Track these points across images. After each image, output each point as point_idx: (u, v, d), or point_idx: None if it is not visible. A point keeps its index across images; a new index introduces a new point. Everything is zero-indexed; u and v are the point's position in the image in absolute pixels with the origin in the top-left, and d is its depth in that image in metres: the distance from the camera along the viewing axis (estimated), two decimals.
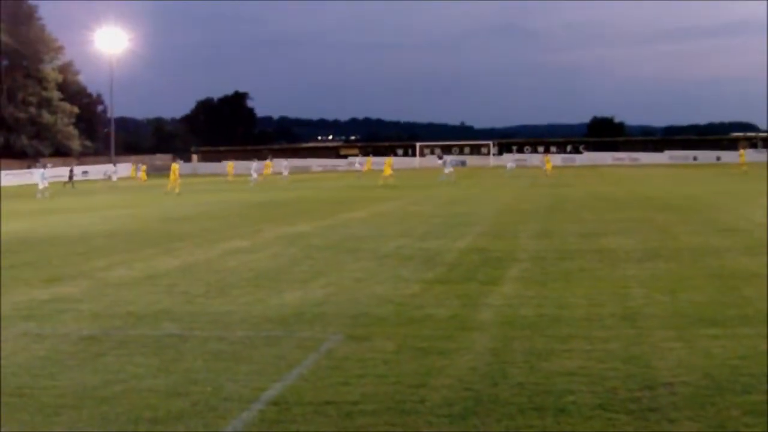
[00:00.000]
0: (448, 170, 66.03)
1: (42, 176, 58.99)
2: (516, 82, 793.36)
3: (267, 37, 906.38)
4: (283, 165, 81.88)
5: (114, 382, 8.96)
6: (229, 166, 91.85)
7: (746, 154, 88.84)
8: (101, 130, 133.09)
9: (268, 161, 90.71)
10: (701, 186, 48.05)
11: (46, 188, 56.90)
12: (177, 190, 54.40)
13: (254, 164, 74.35)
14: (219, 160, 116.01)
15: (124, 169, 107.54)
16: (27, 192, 60.42)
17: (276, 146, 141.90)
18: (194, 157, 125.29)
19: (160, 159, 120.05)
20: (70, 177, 78.39)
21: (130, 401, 8.28)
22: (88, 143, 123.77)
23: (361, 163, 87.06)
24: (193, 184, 69.24)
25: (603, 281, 14.85)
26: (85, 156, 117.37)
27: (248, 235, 24.60)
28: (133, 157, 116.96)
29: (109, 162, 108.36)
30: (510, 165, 78.57)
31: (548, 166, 73.70)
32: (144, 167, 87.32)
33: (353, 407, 7.93)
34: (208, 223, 29.45)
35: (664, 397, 7.99)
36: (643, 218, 26.85)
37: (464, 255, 18.87)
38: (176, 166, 58.66)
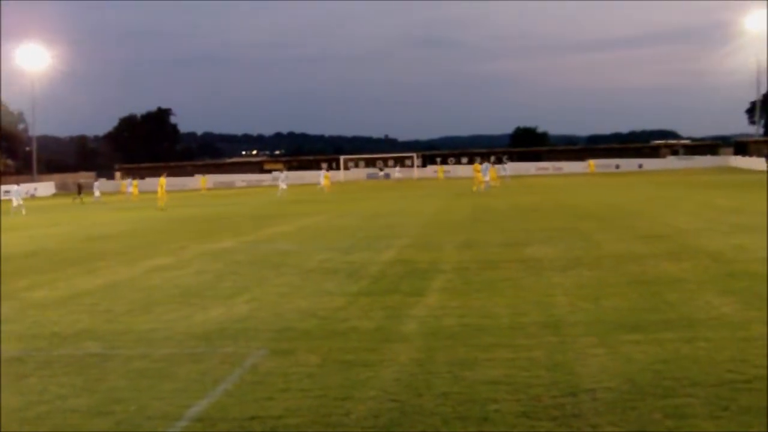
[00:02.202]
0: (487, 178, 62.35)
1: (17, 194, 60.27)
2: (439, 94, 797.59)
3: (191, 53, 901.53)
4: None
5: (37, 402, 8.88)
6: (203, 180, 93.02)
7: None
8: (22, 149, 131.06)
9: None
10: (623, 194, 48.67)
11: (20, 205, 58.08)
12: (162, 204, 54.52)
13: (281, 174, 74.09)
14: (143, 177, 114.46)
15: (47, 188, 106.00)
16: None
17: (200, 162, 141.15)
18: (117, 174, 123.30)
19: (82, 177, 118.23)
20: (79, 191, 77.55)
21: (54, 422, 8.22)
22: (9, 162, 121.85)
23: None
24: (181, 199, 68.15)
25: (526, 290, 14.98)
26: (6, 175, 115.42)
27: (172, 251, 24.39)
28: (56, 176, 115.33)
29: (31, 181, 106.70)
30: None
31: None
32: (135, 182, 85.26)
33: (278, 422, 7.93)
34: (132, 241, 29.13)
35: (586, 403, 8.10)
36: (567, 227, 27.08)
37: (389, 267, 18.92)
38: (164, 181, 58.73)
